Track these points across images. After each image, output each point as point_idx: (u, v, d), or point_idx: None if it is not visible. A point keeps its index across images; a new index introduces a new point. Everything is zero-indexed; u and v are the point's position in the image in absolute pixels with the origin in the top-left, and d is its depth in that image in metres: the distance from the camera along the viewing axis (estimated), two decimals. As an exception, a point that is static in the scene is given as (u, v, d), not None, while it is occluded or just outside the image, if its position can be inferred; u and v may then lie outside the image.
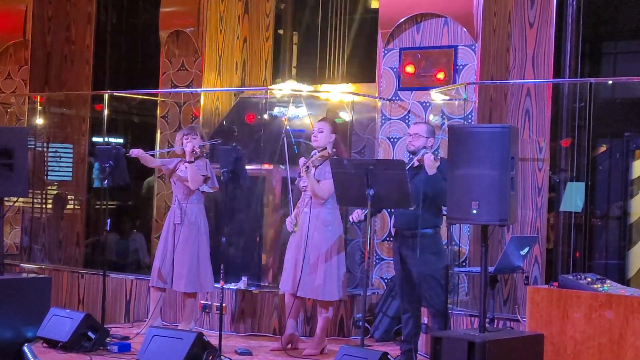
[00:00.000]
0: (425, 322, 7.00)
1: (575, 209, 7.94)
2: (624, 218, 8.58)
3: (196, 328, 7.70)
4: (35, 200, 10.42)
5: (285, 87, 9.18)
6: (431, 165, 6.29)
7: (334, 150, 7.01)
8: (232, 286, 8.09)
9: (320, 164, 6.93)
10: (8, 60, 10.81)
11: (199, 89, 9.19)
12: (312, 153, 6.98)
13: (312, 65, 9.90)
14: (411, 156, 6.56)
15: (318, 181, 6.89)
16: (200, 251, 7.53)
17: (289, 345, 7.07)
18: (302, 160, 6.89)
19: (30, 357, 6.58)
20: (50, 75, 10.69)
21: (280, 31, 9.93)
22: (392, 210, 7.20)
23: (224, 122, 9.14)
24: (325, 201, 6.91)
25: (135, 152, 7.56)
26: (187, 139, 7.56)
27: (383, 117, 8.33)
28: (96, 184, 10.34)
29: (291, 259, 7.01)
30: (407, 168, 6.30)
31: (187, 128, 7.78)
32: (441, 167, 6.23)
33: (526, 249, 6.46)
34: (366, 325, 7.61)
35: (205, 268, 7.56)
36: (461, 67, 7.95)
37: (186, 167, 7.44)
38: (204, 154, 7.63)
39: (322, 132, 6.94)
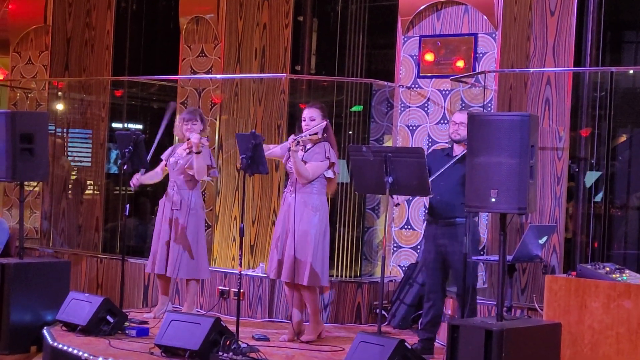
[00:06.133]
0: (449, 312, 6.99)
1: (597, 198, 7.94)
2: (643, 208, 8.53)
3: (197, 310, 7.79)
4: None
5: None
6: None
7: (325, 135, 6.92)
8: (250, 272, 8.12)
9: (311, 147, 6.88)
10: (29, 45, 10.87)
11: (218, 76, 9.19)
12: (305, 134, 6.81)
13: (332, 53, 9.88)
14: (453, 145, 6.53)
15: (305, 162, 6.81)
16: (199, 238, 7.51)
17: (299, 335, 7.03)
18: (291, 137, 6.72)
19: (50, 341, 6.64)
20: (70, 61, 10.73)
21: (300, 18, 9.91)
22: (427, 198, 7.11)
23: None
24: (310, 183, 6.81)
25: (134, 181, 7.46)
26: (188, 125, 7.45)
27: (402, 105, 8.31)
28: (113, 169, 10.42)
29: (278, 245, 6.91)
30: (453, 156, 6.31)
31: (187, 112, 7.64)
32: None
33: (545, 238, 6.44)
34: (383, 312, 7.62)
35: (203, 254, 7.54)
36: (481, 55, 7.92)
37: (187, 153, 7.35)
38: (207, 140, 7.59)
39: (314, 119, 6.85)
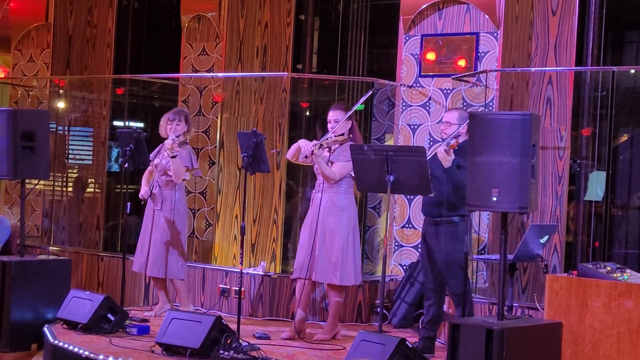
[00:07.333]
0: (450, 311, 6.99)
1: (596, 198, 7.92)
2: (644, 208, 8.53)
3: (196, 308, 7.81)
4: (56, 183, 10.48)
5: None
6: (444, 159, 6.24)
7: (351, 135, 6.97)
8: (251, 270, 8.12)
9: (336, 149, 6.91)
10: (30, 43, 10.86)
11: (219, 74, 9.19)
12: (327, 136, 6.89)
13: (333, 51, 9.88)
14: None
15: (332, 163, 6.85)
16: (178, 237, 7.47)
17: (300, 333, 7.03)
18: (313, 142, 6.75)
19: (50, 339, 6.64)
20: (71, 59, 10.73)
21: (302, 16, 9.91)
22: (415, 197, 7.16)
23: None
24: (337, 183, 6.87)
25: (144, 195, 7.55)
26: (171, 125, 7.45)
27: (403, 104, 8.31)
28: (114, 168, 10.42)
29: (305, 245, 6.96)
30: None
31: (172, 112, 7.60)
32: (456, 159, 6.19)
33: (546, 237, 6.45)
34: (384, 311, 7.62)
35: (180, 254, 7.50)
36: (483, 54, 7.92)
37: (171, 157, 7.29)
38: (187, 141, 7.56)
39: (337, 121, 6.87)
